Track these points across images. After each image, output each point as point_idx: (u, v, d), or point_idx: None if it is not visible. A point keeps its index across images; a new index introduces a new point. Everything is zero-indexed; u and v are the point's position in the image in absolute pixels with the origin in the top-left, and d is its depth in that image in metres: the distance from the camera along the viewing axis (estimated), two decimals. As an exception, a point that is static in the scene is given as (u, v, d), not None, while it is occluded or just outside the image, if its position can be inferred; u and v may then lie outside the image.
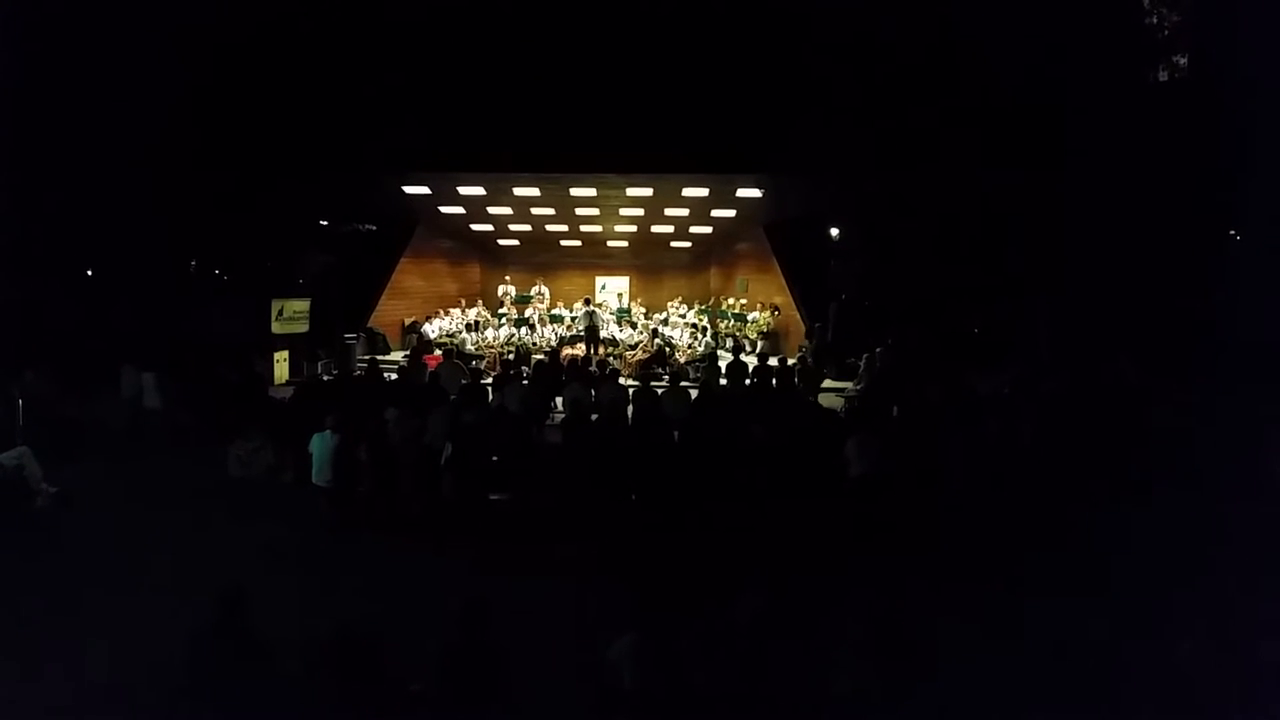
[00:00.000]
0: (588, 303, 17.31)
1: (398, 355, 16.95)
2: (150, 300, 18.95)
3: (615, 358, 15.56)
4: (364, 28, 14.11)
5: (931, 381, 11.79)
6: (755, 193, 14.87)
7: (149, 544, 7.27)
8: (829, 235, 20.93)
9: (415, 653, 4.22)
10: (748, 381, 12.33)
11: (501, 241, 20.53)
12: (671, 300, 19.65)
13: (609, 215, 17.33)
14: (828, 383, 14.47)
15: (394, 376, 12.91)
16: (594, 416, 9.77)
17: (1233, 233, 19.93)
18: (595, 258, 21.35)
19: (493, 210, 17.15)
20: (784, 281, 17.77)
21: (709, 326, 18.09)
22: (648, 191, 14.92)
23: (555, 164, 13.40)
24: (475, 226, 18.86)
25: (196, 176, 17.03)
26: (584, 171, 13.79)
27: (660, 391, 10.84)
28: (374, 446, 8.39)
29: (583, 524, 7.83)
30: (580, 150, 13.10)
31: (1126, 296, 17.44)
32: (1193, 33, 19.10)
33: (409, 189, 15.39)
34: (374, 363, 14.15)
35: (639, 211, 16.84)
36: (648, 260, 21.50)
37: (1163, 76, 19.35)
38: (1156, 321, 16.31)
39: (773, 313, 17.95)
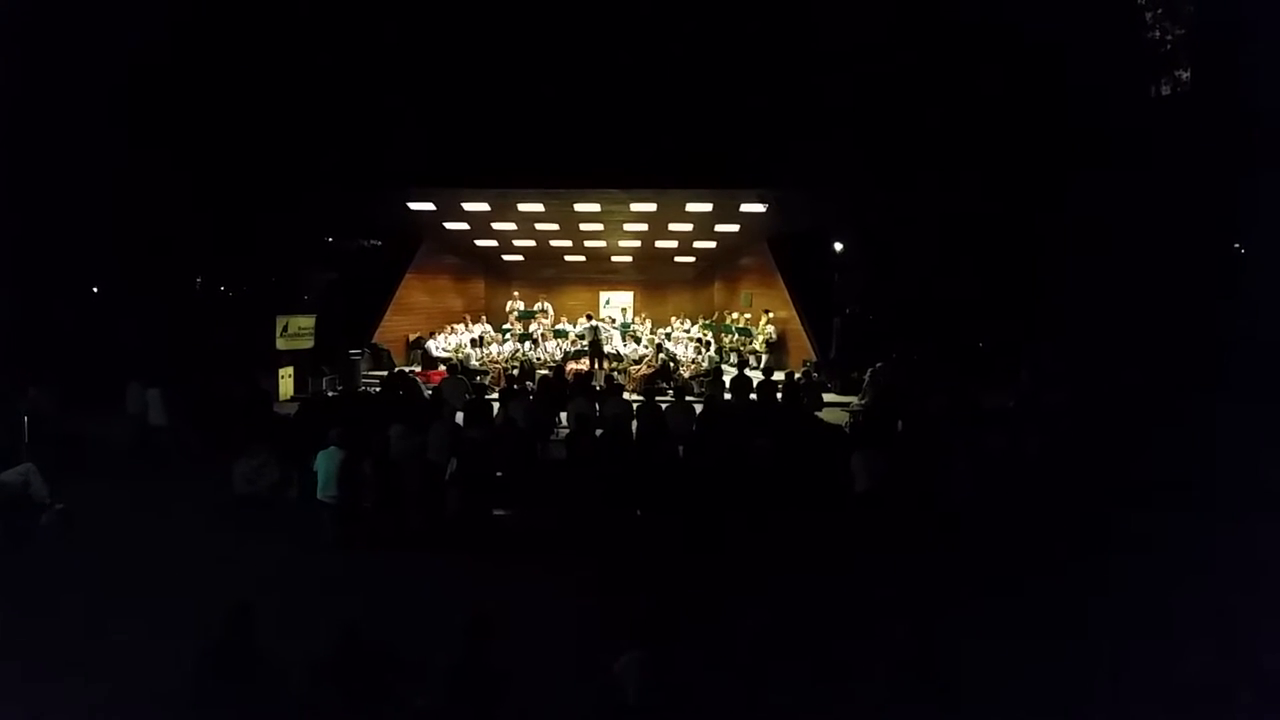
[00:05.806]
0: (590, 318, 17.34)
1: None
2: (155, 316, 19.03)
3: (620, 373, 15.56)
4: (369, 44, 14.25)
5: (936, 395, 11.77)
6: (759, 207, 14.90)
7: (154, 560, 7.26)
8: (833, 250, 20.94)
9: (420, 668, 4.21)
10: (752, 396, 12.32)
11: (506, 257, 20.60)
12: (675, 315, 19.68)
13: (613, 230, 17.38)
14: (832, 397, 14.46)
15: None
16: (598, 432, 9.76)
17: (1236, 245, 19.93)
18: (599, 273, 21.41)
19: (497, 226, 17.21)
20: (788, 296, 17.78)
21: (713, 341, 18.09)
22: (651, 207, 14.96)
23: (559, 179, 13.47)
24: (479, 242, 18.93)
25: (201, 192, 17.15)
26: (588, 187, 13.84)
27: (665, 406, 10.83)
28: (379, 462, 8.40)
29: (587, 539, 7.80)
30: (584, 165, 13.17)
31: (1130, 308, 17.43)
32: (1195, 46, 19.20)
33: (413, 205, 15.46)
34: (383, 378, 14.19)
35: (643, 227, 16.89)
36: (652, 275, 21.55)
37: (1165, 90, 19.45)
38: (1160, 333, 16.28)
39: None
